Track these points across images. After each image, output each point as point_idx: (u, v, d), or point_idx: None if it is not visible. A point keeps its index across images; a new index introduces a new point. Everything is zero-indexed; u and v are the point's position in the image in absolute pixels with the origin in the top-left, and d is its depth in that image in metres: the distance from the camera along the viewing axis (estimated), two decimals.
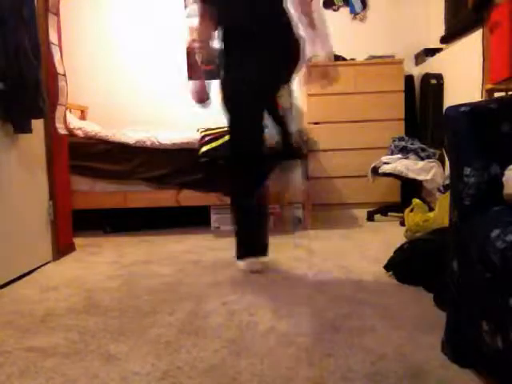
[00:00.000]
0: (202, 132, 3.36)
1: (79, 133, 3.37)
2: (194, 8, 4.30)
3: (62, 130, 2.63)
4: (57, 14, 2.61)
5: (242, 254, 2.26)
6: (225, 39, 2.24)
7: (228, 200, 3.30)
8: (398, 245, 2.14)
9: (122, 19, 4.39)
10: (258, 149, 2.29)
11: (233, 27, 2.21)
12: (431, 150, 3.42)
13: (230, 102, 2.29)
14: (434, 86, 3.63)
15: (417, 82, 4.11)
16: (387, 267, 2.09)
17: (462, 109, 1.21)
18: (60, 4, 2.65)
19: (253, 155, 2.29)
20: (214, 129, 3.39)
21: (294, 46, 2.21)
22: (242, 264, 2.24)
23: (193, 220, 3.51)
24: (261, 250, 2.27)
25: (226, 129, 3.34)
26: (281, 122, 2.63)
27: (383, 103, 3.91)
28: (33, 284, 2.14)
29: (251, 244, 2.29)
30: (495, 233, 0.99)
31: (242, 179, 2.32)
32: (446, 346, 1.29)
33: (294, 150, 2.85)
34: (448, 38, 3.53)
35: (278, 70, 2.17)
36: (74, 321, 1.65)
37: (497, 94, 2.49)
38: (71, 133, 3.20)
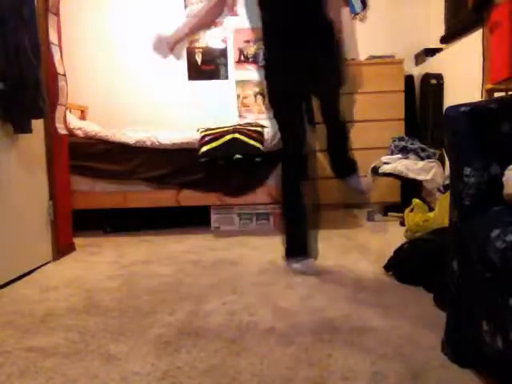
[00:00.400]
0: (202, 132, 3.36)
1: (79, 133, 3.37)
2: (194, 8, 4.31)
3: (62, 130, 2.63)
4: (57, 14, 2.61)
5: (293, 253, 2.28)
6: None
7: (227, 200, 3.33)
8: (398, 245, 2.14)
9: (122, 19, 4.39)
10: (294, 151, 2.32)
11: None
12: (431, 150, 3.42)
13: None
14: (434, 85, 3.63)
15: (417, 82, 4.11)
16: (387, 267, 2.09)
17: (462, 109, 1.21)
18: (60, 4, 2.65)
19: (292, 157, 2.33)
20: (214, 129, 3.39)
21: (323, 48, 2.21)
22: (296, 266, 2.22)
23: (193, 220, 3.51)
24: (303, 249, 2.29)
25: (226, 129, 3.37)
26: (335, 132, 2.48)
27: (383, 103, 3.91)
28: (33, 284, 2.14)
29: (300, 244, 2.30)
30: (495, 233, 0.99)
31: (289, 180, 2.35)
32: (446, 345, 1.29)
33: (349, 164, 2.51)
34: (448, 37, 3.53)
35: (297, 71, 2.19)
36: (74, 321, 1.65)
37: (497, 94, 2.49)
38: (71, 133, 3.20)
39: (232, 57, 4.41)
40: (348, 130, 2.51)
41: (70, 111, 3.67)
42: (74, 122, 3.44)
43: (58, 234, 2.60)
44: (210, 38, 4.39)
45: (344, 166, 2.49)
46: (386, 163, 3.41)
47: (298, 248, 2.27)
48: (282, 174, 2.36)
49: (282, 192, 2.36)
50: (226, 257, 2.55)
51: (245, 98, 4.44)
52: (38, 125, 2.40)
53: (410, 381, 1.17)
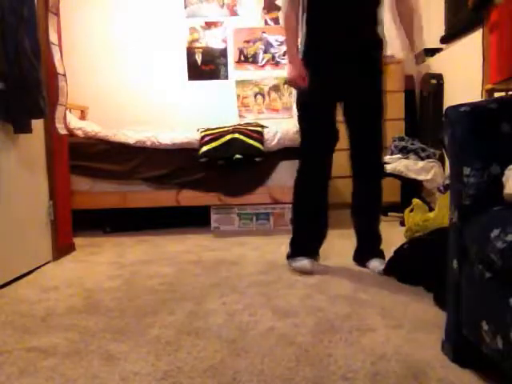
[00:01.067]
0: (202, 132, 3.37)
1: (79, 133, 3.37)
2: (194, 8, 4.31)
3: (62, 130, 2.64)
4: (57, 14, 2.61)
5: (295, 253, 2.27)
6: None
7: (227, 200, 3.33)
8: (398, 245, 2.14)
9: (122, 19, 4.39)
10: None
11: None
12: (431, 150, 3.42)
13: None
14: (434, 86, 3.63)
15: (417, 82, 4.11)
16: (387, 271, 2.08)
17: (462, 109, 1.21)
18: (60, 4, 2.65)
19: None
20: (214, 129, 3.39)
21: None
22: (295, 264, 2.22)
23: (193, 220, 3.51)
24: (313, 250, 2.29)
25: (226, 129, 3.37)
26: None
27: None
28: (33, 284, 2.14)
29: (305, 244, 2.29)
30: (495, 233, 0.99)
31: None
32: (445, 345, 1.29)
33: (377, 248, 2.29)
34: (448, 37, 3.53)
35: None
36: (74, 321, 1.65)
37: (497, 94, 2.48)
38: (71, 133, 3.20)
39: (232, 57, 4.41)
40: (382, 188, 2.29)
41: (70, 111, 3.67)
42: (73, 122, 3.44)
43: (58, 234, 2.60)
44: (210, 38, 4.39)
45: (368, 242, 2.30)
46: (386, 163, 3.41)
47: (309, 248, 2.27)
48: (303, 172, 2.25)
49: (302, 192, 2.27)
50: (226, 257, 2.55)
51: (245, 98, 4.44)
52: (38, 125, 2.40)
53: (410, 381, 1.17)
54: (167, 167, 3.28)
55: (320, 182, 2.26)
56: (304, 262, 2.19)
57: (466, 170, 1.17)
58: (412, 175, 3.29)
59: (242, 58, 4.42)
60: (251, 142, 3.22)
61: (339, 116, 2.27)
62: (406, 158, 3.40)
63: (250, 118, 4.33)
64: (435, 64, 3.78)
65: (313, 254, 2.28)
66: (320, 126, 2.20)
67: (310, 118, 2.21)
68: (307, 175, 2.25)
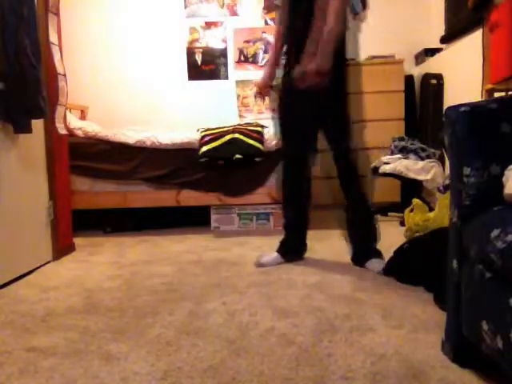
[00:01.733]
0: (202, 132, 3.37)
1: (79, 133, 3.37)
2: (194, 8, 4.31)
3: (62, 130, 2.64)
4: (57, 14, 2.61)
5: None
6: None
7: (227, 200, 3.33)
8: (398, 245, 2.14)
9: (122, 19, 4.39)
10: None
11: None
12: (431, 150, 3.42)
13: None
14: (434, 85, 3.63)
15: (417, 82, 4.11)
16: (386, 271, 2.08)
17: (462, 109, 1.21)
18: (60, 4, 2.65)
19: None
20: (213, 129, 3.39)
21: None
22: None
23: (193, 220, 3.51)
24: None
25: (226, 129, 3.37)
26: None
27: (383, 103, 3.91)
28: (33, 284, 2.14)
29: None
30: (495, 233, 0.99)
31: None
32: (445, 345, 1.29)
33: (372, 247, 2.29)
34: (448, 37, 3.53)
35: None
36: (73, 321, 1.65)
37: (497, 94, 2.49)
38: (71, 133, 3.20)
39: (232, 57, 4.41)
40: (361, 183, 2.29)
41: (70, 111, 3.67)
42: (73, 122, 3.44)
43: (58, 233, 2.60)
44: (210, 38, 4.39)
45: (363, 245, 2.29)
46: (386, 163, 3.41)
47: (293, 247, 2.41)
48: (283, 173, 2.40)
49: (282, 192, 2.42)
50: (226, 257, 2.55)
51: (245, 98, 4.44)
52: (38, 125, 2.40)
53: (410, 381, 1.17)
54: (167, 167, 3.28)
55: (301, 176, 2.37)
56: (275, 255, 2.36)
57: (466, 170, 1.17)
58: (412, 175, 3.29)
59: (242, 58, 4.41)
60: (251, 141, 3.22)
61: None
62: (406, 157, 3.40)
63: (249, 118, 4.33)
64: (435, 64, 3.79)
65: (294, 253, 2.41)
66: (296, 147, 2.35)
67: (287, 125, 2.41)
68: (288, 168, 2.39)
